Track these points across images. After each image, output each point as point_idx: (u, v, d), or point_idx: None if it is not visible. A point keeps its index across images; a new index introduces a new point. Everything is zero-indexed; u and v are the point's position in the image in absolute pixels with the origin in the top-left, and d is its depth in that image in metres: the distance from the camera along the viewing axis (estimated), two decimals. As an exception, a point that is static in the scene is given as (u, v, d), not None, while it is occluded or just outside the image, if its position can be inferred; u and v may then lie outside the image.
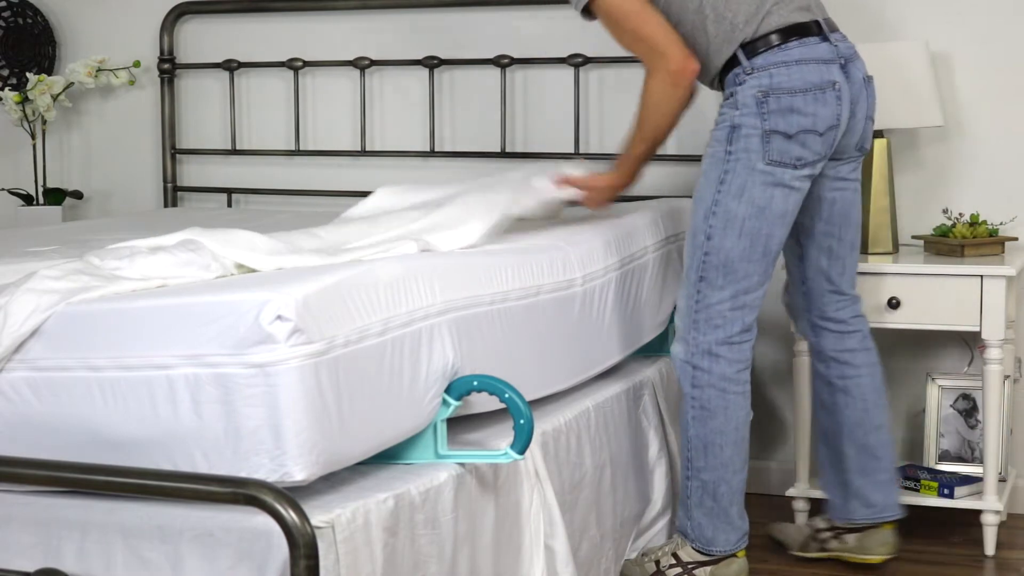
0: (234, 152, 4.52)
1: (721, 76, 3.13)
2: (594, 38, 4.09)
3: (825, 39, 3.09)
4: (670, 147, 3.69)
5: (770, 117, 3.02)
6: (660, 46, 3.08)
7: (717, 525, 3.17)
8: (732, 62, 3.08)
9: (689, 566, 3.16)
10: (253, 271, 2.48)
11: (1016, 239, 3.73)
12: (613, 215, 3.39)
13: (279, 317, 2.07)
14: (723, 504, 3.16)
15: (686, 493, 3.19)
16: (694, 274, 3.11)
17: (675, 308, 3.54)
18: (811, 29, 3.09)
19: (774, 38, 3.06)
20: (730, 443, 3.14)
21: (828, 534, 3.44)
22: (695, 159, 3.71)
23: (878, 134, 3.62)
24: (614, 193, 3.31)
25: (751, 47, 3.06)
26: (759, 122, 3.02)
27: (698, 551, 3.17)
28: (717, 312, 3.10)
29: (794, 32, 3.07)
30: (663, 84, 3.10)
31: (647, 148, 3.23)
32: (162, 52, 4.54)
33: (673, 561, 3.17)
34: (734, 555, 3.18)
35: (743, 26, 3.06)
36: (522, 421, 2.43)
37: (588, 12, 3.18)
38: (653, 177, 3.59)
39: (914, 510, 3.68)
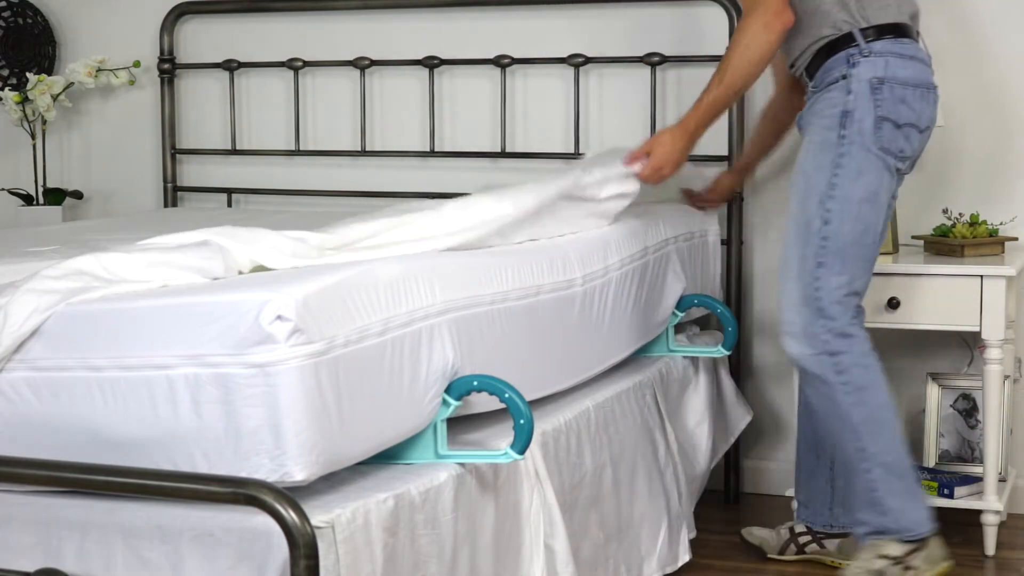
0: (234, 152, 4.52)
1: (823, 54, 3.13)
2: (594, 38, 4.10)
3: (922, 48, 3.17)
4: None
5: (883, 104, 3.05)
6: None
7: (914, 504, 3.07)
8: (844, 41, 3.09)
9: (905, 558, 3.07)
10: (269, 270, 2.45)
11: (1016, 239, 3.73)
12: (629, 208, 3.35)
13: (279, 317, 2.07)
14: (911, 479, 3.07)
15: (870, 488, 3.07)
16: (811, 262, 3.07)
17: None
18: (914, 35, 3.16)
19: (890, 28, 3.09)
20: (893, 415, 3.10)
21: (807, 538, 3.43)
22: (697, 160, 3.71)
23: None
24: (679, 144, 3.23)
25: (869, 31, 3.08)
26: (872, 107, 3.04)
27: (903, 542, 3.06)
28: (839, 296, 3.06)
29: (903, 32, 3.12)
30: (755, 27, 3.09)
31: (723, 95, 3.18)
32: (162, 52, 4.53)
33: (891, 560, 3.06)
34: (928, 538, 3.09)
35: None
36: (522, 421, 2.43)
37: None
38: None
39: (914, 510, 3.68)
